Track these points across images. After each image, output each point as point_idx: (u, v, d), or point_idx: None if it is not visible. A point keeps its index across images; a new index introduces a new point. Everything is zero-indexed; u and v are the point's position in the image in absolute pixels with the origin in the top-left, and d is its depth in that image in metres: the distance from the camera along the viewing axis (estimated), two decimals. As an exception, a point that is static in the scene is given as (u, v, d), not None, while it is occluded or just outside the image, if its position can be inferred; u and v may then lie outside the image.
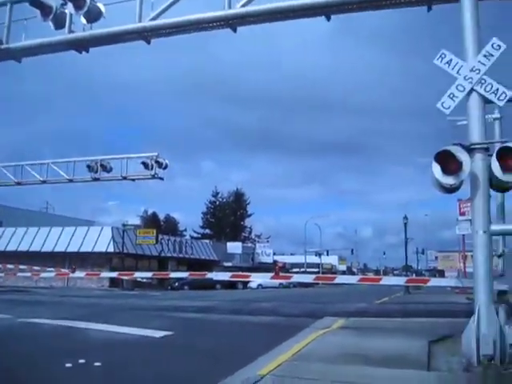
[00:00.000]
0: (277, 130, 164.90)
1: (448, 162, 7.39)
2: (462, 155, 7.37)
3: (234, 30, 10.46)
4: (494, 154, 7.45)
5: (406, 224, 56.56)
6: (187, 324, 14.71)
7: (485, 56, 7.68)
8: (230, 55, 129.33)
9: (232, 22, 10.28)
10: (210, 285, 45.48)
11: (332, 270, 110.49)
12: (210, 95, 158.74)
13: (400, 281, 15.79)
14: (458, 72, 7.75)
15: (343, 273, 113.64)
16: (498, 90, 7.60)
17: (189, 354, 9.27)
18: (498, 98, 7.61)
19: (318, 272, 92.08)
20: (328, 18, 9.59)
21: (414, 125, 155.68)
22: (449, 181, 7.54)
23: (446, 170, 7.43)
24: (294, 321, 15.09)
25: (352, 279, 18.91)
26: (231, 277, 18.44)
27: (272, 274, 18.33)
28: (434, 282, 12.65)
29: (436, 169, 7.48)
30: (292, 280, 22.73)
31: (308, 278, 21.51)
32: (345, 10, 9.52)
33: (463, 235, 54.67)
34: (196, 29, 10.85)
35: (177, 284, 48.34)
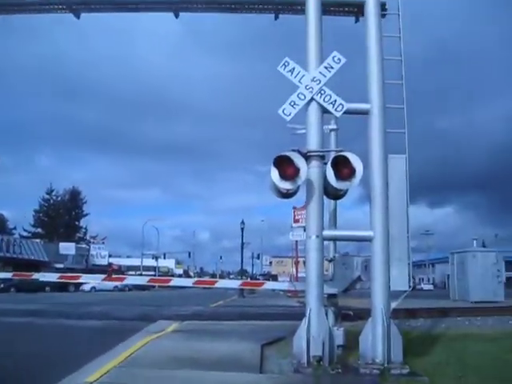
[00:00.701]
0: (120, 131, 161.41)
1: (286, 168, 7.54)
2: (300, 161, 7.57)
3: (77, 17, 9.82)
4: (329, 162, 7.74)
5: (242, 229, 58.07)
6: (10, 329, 13.58)
7: (326, 68, 7.97)
8: (77, 48, 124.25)
9: (75, 8, 9.65)
10: (39, 287, 43.04)
11: (169, 274, 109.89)
12: (50, 88, 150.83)
13: (234, 284, 15.98)
14: (299, 81, 7.96)
15: (180, 276, 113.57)
16: (335, 101, 7.91)
17: (8, 363, 8.42)
18: (336, 109, 7.94)
19: (154, 275, 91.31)
20: (176, 16, 9.41)
21: (256, 132, 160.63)
22: (286, 186, 7.70)
23: (283, 175, 7.57)
24: (126, 324, 14.59)
25: (187, 282, 18.81)
26: (59, 278, 17.31)
27: (104, 276, 17.56)
28: (268, 285, 12.98)
29: (274, 173, 7.59)
30: (126, 282, 22.10)
31: (142, 280, 21.04)
32: (193, 8, 9.40)
33: (296, 241, 57.67)
34: (35, 10, 9.98)
35: (2, 285, 44.99)
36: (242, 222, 58.71)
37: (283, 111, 7.89)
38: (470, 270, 31.40)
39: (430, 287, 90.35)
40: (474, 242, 34.84)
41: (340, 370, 7.39)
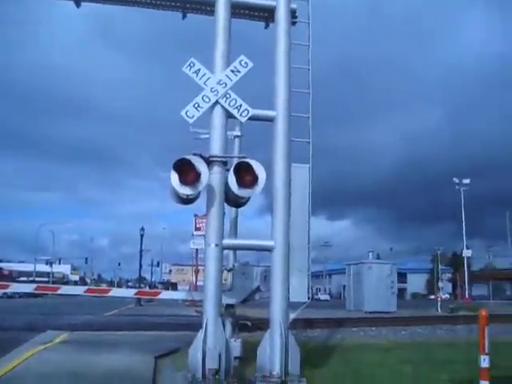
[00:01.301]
0: (20, 129, 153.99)
1: (186, 172, 7.19)
2: (201, 166, 7.27)
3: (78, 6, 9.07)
4: (232, 169, 7.51)
5: (142, 235, 56.71)
6: None
7: (232, 71, 7.75)
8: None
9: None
10: None
11: (63, 280, 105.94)
12: None
13: (129, 293, 15.29)
14: (205, 83, 7.67)
15: (75, 283, 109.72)
16: (241, 105, 7.70)
17: None
18: (241, 114, 7.72)
19: (48, 281, 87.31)
20: (78, 5, 8.87)
21: (160, 138, 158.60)
22: (186, 191, 7.34)
23: (183, 180, 7.21)
24: (11, 335, 13.62)
25: (78, 290, 17.82)
26: None
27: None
28: (165, 294, 12.52)
29: (174, 178, 7.23)
30: (10, 290, 20.62)
31: (28, 288, 19.70)
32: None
33: (197, 249, 57.17)
34: None
35: None
36: (142, 229, 57.40)
37: (186, 113, 7.56)
38: (365, 281, 32.43)
39: (327, 297, 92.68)
40: (370, 254, 36.09)
41: (236, 384, 7.13)
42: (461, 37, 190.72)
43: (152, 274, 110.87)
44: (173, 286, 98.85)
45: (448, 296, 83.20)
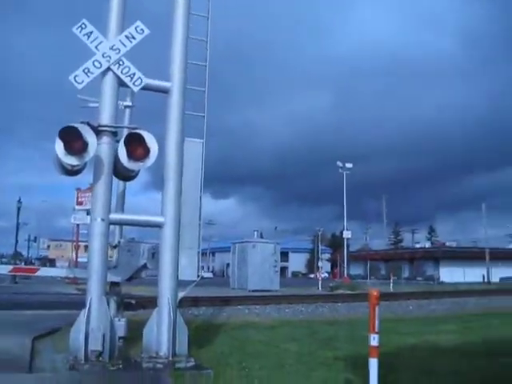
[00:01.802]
0: None
1: (73, 141, 6.70)
2: (89, 135, 6.82)
3: None
4: (122, 140, 7.14)
5: (19, 208, 53.49)
6: None
7: (127, 37, 7.31)
8: None
9: None
10: None
11: None
12: None
13: (4, 270, 14.27)
14: (96, 47, 7.18)
15: None
16: (134, 74, 7.30)
17: None
18: (134, 83, 7.33)
19: None
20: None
21: (43, 105, 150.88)
22: (72, 161, 6.84)
23: (69, 150, 6.72)
24: None
25: None
26: None
27: None
28: (44, 271, 11.78)
29: (59, 146, 6.71)
30: None
31: None
32: None
33: (78, 225, 55.19)
34: None
35: None
36: (19, 201, 54.08)
37: (75, 78, 7.04)
38: (249, 259, 32.83)
39: (210, 275, 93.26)
40: (255, 233, 36.60)
41: (121, 366, 6.82)
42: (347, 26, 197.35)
43: (29, 249, 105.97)
44: (51, 263, 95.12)
45: (327, 275, 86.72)
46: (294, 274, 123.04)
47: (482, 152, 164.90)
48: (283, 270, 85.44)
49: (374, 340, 5.05)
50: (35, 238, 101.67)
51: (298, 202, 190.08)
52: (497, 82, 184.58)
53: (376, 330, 5.04)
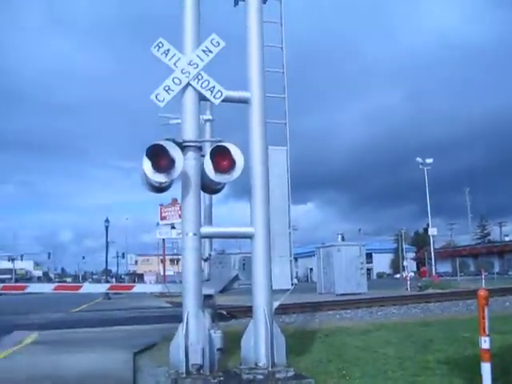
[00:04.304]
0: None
1: (160, 159, 6.79)
2: (175, 152, 6.88)
3: None
4: (208, 154, 7.15)
5: (107, 227, 55.51)
6: None
7: (203, 51, 7.35)
8: None
9: None
10: None
11: (26, 276, 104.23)
12: None
13: (102, 288, 14.65)
14: (175, 64, 7.26)
15: (39, 278, 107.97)
16: (214, 87, 7.33)
17: None
18: (214, 96, 7.35)
19: (11, 278, 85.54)
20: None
21: (124, 127, 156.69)
22: (160, 178, 6.95)
23: (157, 167, 6.82)
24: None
25: (46, 288, 17.17)
26: None
27: None
28: (139, 288, 12.04)
29: (146, 165, 6.83)
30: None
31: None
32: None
33: (163, 239, 56.72)
34: None
35: None
36: (107, 220, 56.14)
37: (156, 97, 7.14)
38: (335, 263, 32.50)
39: (295, 281, 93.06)
40: (339, 236, 36.17)
41: (222, 378, 6.81)
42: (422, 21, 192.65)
43: (118, 265, 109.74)
44: (139, 277, 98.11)
45: (413, 274, 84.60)
46: (379, 275, 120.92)
47: None
48: (368, 271, 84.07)
49: (486, 343, 4.79)
50: (123, 254, 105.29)
51: (377, 201, 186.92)
52: None
53: (487, 332, 4.78)
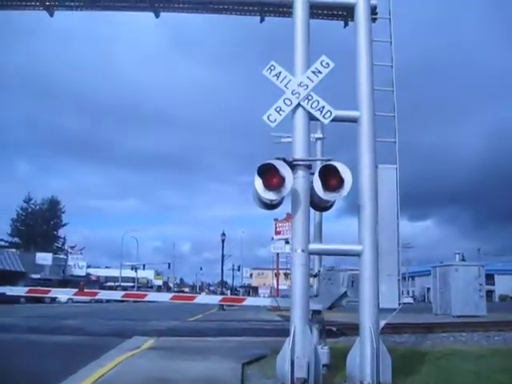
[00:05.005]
0: (100, 140, 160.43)
1: (270, 177, 7.08)
2: (285, 170, 7.12)
3: (51, 15, 9.31)
4: (317, 172, 7.31)
5: (223, 240, 57.30)
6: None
7: (313, 72, 7.58)
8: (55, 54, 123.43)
9: (49, 5, 9.12)
10: (14, 298, 41.91)
11: (148, 285, 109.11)
12: (27, 92, 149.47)
13: (214, 300, 15.30)
14: (286, 85, 7.54)
15: (159, 287, 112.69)
16: (323, 107, 7.51)
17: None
18: (324, 116, 7.54)
19: (133, 286, 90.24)
20: (157, 15, 8.97)
21: (239, 142, 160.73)
22: (270, 196, 7.22)
23: (267, 185, 7.11)
24: (100, 341, 13.96)
25: (164, 297, 18.09)
26: (28, 292, 16.26)
27: (75, 291, 16.79)
28: (249, 301, 12.42)
29: (258, 183, 7.14)
30: (99, 297, 21.23)
31: (116, 296, 20.18)
32: (174, 8, 8.94)
33: (277, 253, 57.35)
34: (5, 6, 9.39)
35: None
36: (223, 234, 57.99)
37: (268, 117, 7.45)
38: (452, 283, 31.25)
39: (410, 300, 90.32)
40: (457, 255, 34.72)
41: (326, 393, 6.93)
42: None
43: (233, 278, 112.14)
44: (254, 290, 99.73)
45: (540, 298, 79.12)
46: (502, 298, 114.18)
47: None
48: (489, 293, 79.79)
49: None
50: (239, 267, 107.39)
51: (500, 220, 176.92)
52: None
53: None
